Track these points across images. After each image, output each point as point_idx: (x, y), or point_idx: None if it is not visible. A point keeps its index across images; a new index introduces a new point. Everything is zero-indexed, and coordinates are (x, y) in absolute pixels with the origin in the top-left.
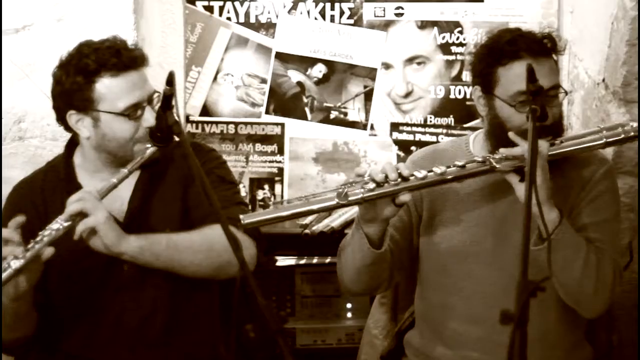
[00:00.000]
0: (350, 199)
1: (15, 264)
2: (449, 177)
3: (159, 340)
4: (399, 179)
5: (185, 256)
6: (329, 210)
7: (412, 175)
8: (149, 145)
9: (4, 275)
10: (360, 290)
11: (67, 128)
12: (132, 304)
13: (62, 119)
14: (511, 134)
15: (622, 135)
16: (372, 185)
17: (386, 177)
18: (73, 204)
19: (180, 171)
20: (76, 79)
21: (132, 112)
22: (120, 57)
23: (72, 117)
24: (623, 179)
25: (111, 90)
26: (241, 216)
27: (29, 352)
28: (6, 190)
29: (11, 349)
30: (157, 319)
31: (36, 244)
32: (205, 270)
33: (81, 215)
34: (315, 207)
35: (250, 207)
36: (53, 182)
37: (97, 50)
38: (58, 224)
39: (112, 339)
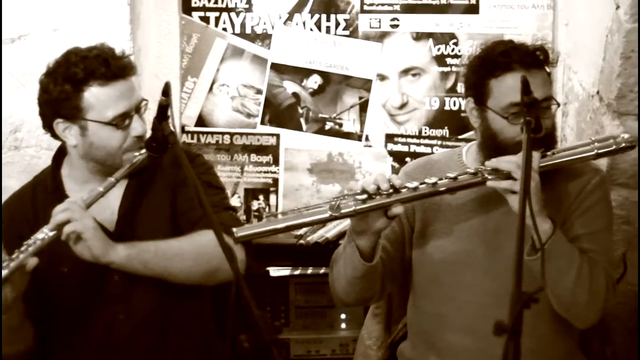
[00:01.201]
0: (342, 211)
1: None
2: (441, 188)
3: (151, 349)
4: (391, 190)
5: (174, 263)
6: (322, 223)
7: (405, 186)
8: (137, 154)
9: None
10: (352, 302)
11: (54, 135)
12: (123, 313)
13: (49, 127)
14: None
15: (614, 147)
16: (364, 196)
17: (378, 188)
18: (59, 214)
19: (168, 178)
20: (64, 87)
21: (120, 122)
22: (108, 66)
23: (59, 125)
24: (617, 191)
25: (99, 99)
26: (234, 229)
27: None
28: (3, 199)
29: None
30: (149, 328)
31: (21, 253)
32: (195, 276)
33: (67, 224)
34: (307, 219)
35: (245, 217)
36: (42, 196)
37: (85, 58)
38: (43, 234)
39: (104, 348)
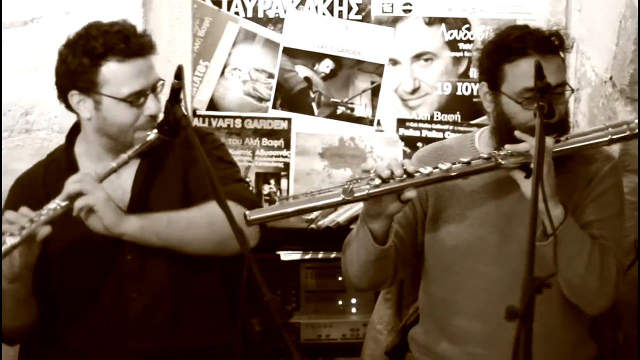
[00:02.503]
0: (355, 195)
1: (11, 240)
2: (454, 173)
3: (163, 328)
4: (405, 175)
5: (187, 232)
6: (335, 206)
7: (418, 171)
8: (149, 133)
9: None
10: (364, 286)
11: (68, 107)
12: (136, 292)
13: (63, 98)
14: (517, 133)
15: (627, 132)
16: (377, 181)
17: (392, 173)
18: (71, 184)
19: (180, 157)
20: (82, 60)
21: (134, 99)
22: (128, 43)
23: (74, 97)
24: (629, 177)
25: (116, 75)
26: (246, 212)
27: (31, 347)
28: (10, 183)
29: (12, 338)
30: (161, 307)
31: (32, 222)
32: (209, 245)
33: (80, 196)
34: (320, 203)
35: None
36: (55, 174)
37: (106, 33)
38: (55, 204)
39: (117, 327)
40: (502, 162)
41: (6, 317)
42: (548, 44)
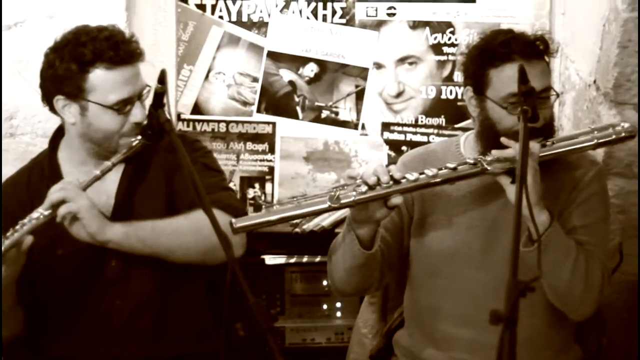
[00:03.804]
0: (342, 202)
1: None
2: (441, 179)
3: (148, 335)
4: (391, 182)
5: (173, 240)
6: (321, 213)
7: (404, 177)
8: (134, 140)
9: None
10: (350, 291)
11: (52, 110)
12: (120, 299)
13: (47, 101)
14: (503, 139)
15: (614, 136)
16: (364, 187)
17: (378, 179)
18: (54, 193)
19: (165, 162)
20: (70, 65)
21: (121, 107)
22: (117, 50)
23: (59, 102)
24: (613, 181)
25: (104, 82)
26: (232, 220)
27: (15, 354)
28: None
29: None
30: (146, 313)
31: (15, 232)
32: (195, 254)
33: (63, 204)
34: (307, 210)
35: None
36: (38, 179)
37: (95, 39)
38: (38, 213)
39: (102, 334)
40: (488, 168)
41: None
42: (533, 49)
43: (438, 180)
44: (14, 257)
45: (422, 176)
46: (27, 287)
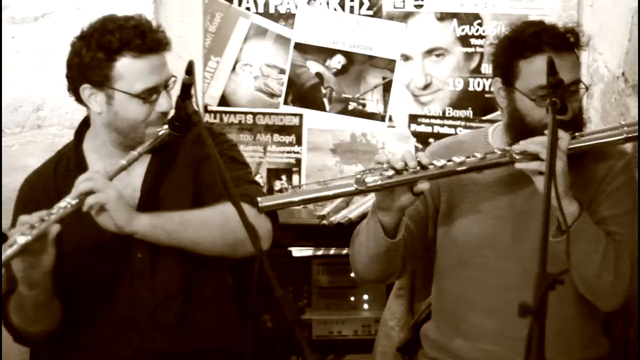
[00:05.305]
0: (368, 185)
1: (22, 239)
2: (468, 167)
3: (173, 327)
4: (418, 167)
5: (199, 232)
6: (347, 196)
7: (431, 163)
8: (160, 129)
9: (10, 251)
10: (372, 278)
11: (78, 99)
12: (145, 291)
13: (74, 90)
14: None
15: None
16: (390, 172)
17: (405, 164)
18: (82, 183)
19: (191, 154)
20: (97, 54)
21: (147, 96)
22: (144, 39)
23: (86, 90)
24: None
25: (130, 70)
26: (258, 199)
27: (38, 346)
28: (21, 179)
29: (34, 341)
30: (171, 305)
31: (43, 222)
32: (221, 247)
33: (90, 194)
34: (332, 192)
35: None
36: (64, 171)
37: (122, 28)
38: (66, 203)
39: (126, 326)
40: (517, 158)
41: (28, 323)
42: (563, 41)
43: (465, 167)
44: (39, 248)
45: (450, 163)
46: (61, 279)
